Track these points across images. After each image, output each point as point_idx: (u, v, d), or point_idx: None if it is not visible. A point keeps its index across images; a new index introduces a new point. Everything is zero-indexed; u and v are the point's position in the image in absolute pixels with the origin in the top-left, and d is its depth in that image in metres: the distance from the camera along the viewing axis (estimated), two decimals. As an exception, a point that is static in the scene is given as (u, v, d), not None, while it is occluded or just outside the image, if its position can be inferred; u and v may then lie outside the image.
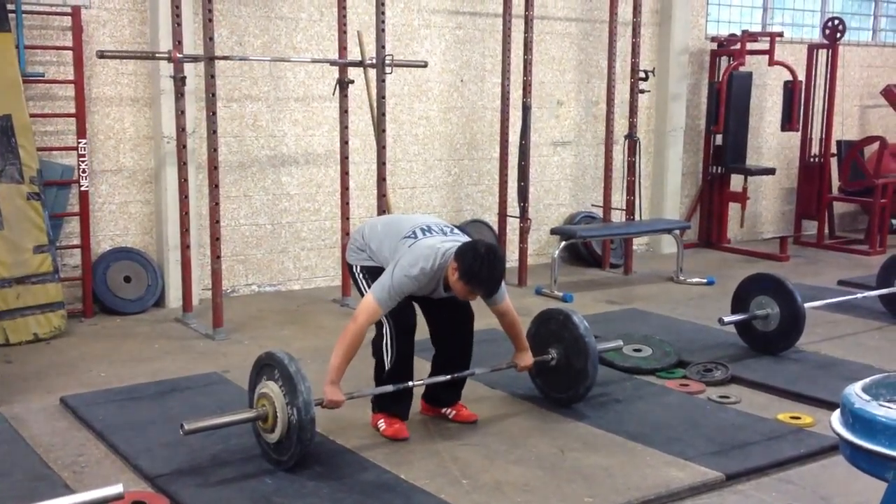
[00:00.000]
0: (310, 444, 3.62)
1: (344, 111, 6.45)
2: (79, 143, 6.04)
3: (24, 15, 5.80)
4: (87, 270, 6.17)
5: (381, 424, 4.11)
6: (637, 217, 8.19)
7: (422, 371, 4.33)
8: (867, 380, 2.36)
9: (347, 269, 4.29)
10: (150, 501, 3.42)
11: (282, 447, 3.68)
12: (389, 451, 3.92)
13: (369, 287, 3.96)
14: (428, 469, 3.75)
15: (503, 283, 4.05)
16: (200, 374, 4.96)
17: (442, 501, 3.45)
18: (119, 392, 4.65)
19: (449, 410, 4.31)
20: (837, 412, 2.32)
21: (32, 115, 5.80)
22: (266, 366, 3.76)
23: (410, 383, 4.08)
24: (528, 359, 4.39)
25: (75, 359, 5.30)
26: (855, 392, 2.27)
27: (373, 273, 4.03)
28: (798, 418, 4.37)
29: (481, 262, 3.76)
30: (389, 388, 4.02)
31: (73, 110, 6.03)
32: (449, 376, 4.19)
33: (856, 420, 2.21)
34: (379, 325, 4.00)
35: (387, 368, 4.05)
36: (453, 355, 4.26)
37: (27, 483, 3.50)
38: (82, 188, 6.10)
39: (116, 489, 2.63)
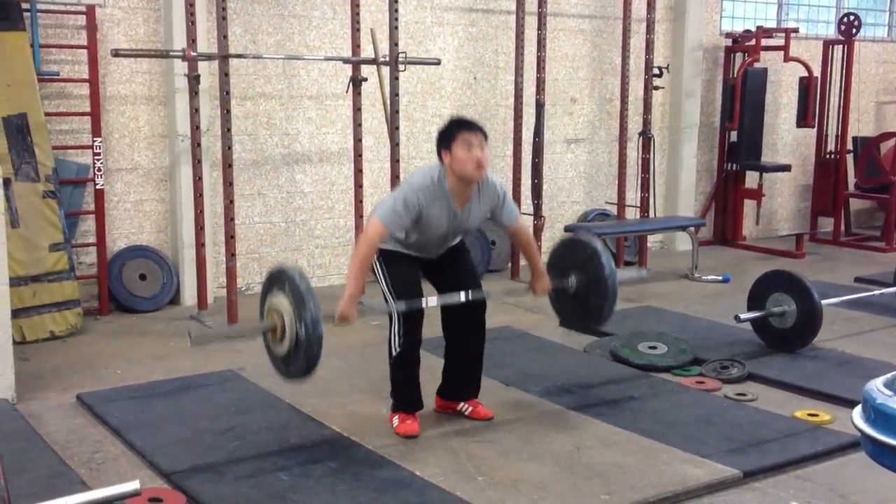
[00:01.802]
0: (317, 362, 3.62)
1: (357, 109, 6.44)
2: (94, 141, 6.06)
3: (38, 14, 5.81)
4: (103, 268, 6.19)
5: (395, 421, 4.11)
6: (651, 214, 8.16)
7: (434, 368, 4.32)
8: (889, 375, 2.34)
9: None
10: (167, 498, 3.43)
11: (289, 361, 3.70)
12: (405, 448, 3.91)
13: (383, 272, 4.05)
14: (443, 466, 3.74)
15: (513, 204, 4.18)
16: (215, 372, 4.96)
17: (457, 498, 3.45)
18: (135, 389, 4.67)
19: (465, 406, 4.30)
20: (859, 408, 2.30)
21: (48, 114, 5.83)
22: (277, 279, 3.72)
23: (423, 301, 4.01)
24: (545, 283, 4.37)
25: (91, 356, 5.32)
26: (877, 387, 2.25)
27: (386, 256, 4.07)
28: (816, 415, 4.34)
29: (450, 120, 3.99)
30: (402, 305, 3.95)
31: (87, 109, 6.05)
32: (463, 296, 4.07)
33: (878, 415, 2.19)
34: (390, 319, 4.02)
35: (394, 354, 4.04)
36: (467, 342, 4.23)
37: (44, 480, 3.51)
38: (97, 186, 6.13)
39: (133, 486, 2.62)
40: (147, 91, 6.39)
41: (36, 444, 3.90)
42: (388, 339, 4.08)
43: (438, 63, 6.96)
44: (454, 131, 3.91)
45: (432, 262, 4.18)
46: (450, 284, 4.15)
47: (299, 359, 3.63)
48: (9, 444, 3.79)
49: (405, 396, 4.13)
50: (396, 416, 4.13)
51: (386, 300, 4.05)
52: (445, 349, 4.32)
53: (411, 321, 4.02)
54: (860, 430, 2.25)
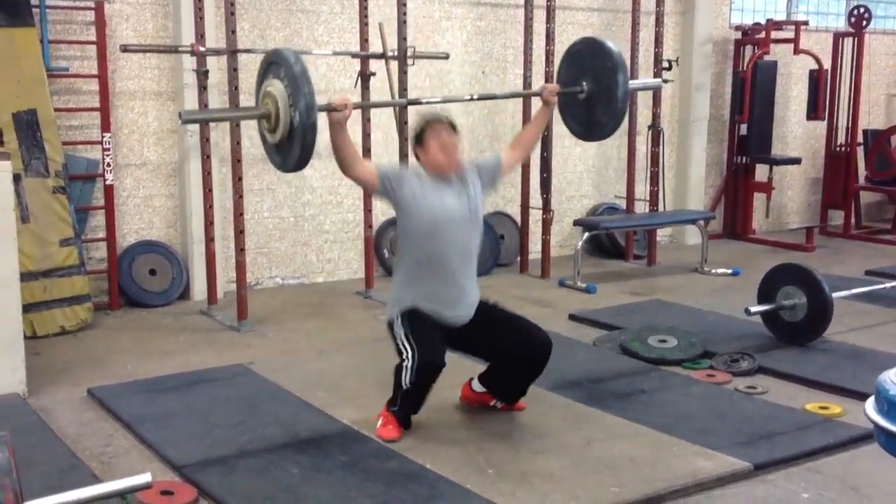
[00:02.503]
0: (311, 150, 3.58)
1: (366, 103, 6.44)
2: (103, 136, 6.08)
3: (47, 10, 5.83)
4: (113, 263, 6.21)
5: (379, 421, 4.00)
6: (661, 208, 8.14)
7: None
8: (901, 367, 2.33)
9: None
10: (178, 491, 3.44)
11: (283, 150, 3.67)
12: (415, 442, 3.91)
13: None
14: (453, 459, 3.74)
15: (485, 156, 4.17)
16: (225, 366, 4.97)
17: (467, 491, 3.45)
18: (145, 384, 4.68)
19: (496, 402, 4.27)
20: (872, 399, 2.29)
21: (57, 110, 5.84)
22: (273, 63, 3.65)
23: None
24: (552, 86, 4.42)
25: (102, 351, 5.34)
26: (890, 378, 2.23)
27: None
28: (826, 408, 4.33)
29: (419, 119, 4.04)
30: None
31: (97, 104, 6.06)
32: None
33: (891, 407, 2.18)
34: (400, 354, 3.88)
35: (404, 388, 3.86)
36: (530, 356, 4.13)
37: (56, 473, 3.53)
38: (107, 182, 6.14)
39: (144, 478, 2.64)
40: (156, 86, 6.40)
41: (47, 438, 3.92)
42: (398, 372, 3.88)
43: (447, 57, 6.94)
44: (423, 128, 3.98)
45: (464, 328, 4.05)
46: (504, 339, 4.08)
47: (293, 147, 3.59)
48: (20, 438, 3.78)
49: (404, 416, 3.98)
50: (381, 417, 4.00)
51: (401, 349, 3.88)
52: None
53: (425, 368, 3.81)
54: (873, 422, 2.24)
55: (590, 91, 4.38)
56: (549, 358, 4.13)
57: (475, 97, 4.36)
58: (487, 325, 4.09)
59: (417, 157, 4.05)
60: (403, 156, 6.28)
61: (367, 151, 6.47)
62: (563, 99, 4.44)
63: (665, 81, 7.93)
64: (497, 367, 4.20)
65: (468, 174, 4.06)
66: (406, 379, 3.83)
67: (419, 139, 4.00)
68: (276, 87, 3.60)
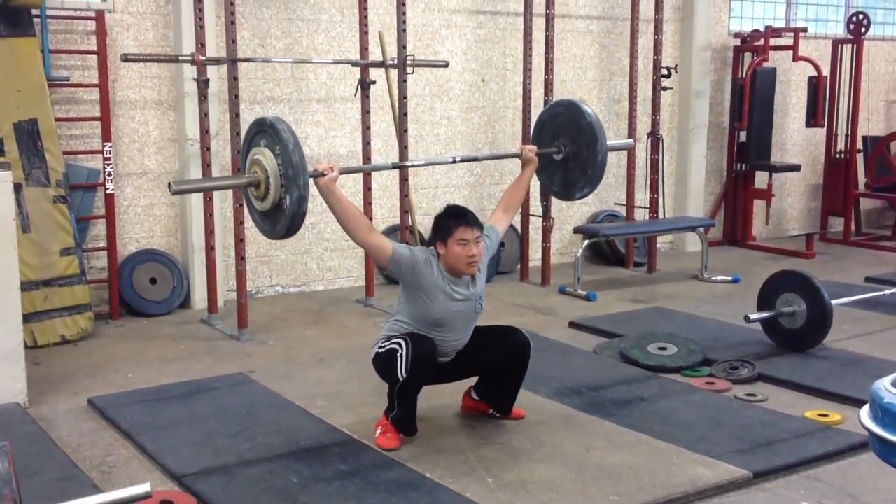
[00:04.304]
0: (299, 227, 3.65)
1: (366, 112, 6.46)
2: (104, 146, 6.09)
3: (48, 19, 5.85)
4: (114, 273, 6.22)
5: (378, 430, 4.00)
6: (661, 215, 8.15)
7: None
8: (896, 374, 2.34)
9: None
10: (178, 500, 3.44)
11: (270, 219, 3.69)
12: (414, 450, 3.92)
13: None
14: (453, 467, 3.74)
15: (490, 233, 4.10)
16: (226, 375, 4.98)
17: (467, 500, 3.45)
18: (146, 393, 4.69)
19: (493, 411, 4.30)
20: (867, 407, 2.30)
21: (58, 119, 5.86)
22: (266, 134, 3.64)
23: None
24: (531, 147, 4.39)
25: (102, 360, 5.34)
26: (884, 386, 2.24)
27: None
28: (826, 416, 4.33)
29: (447, 211, 3.98)
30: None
31: (97, 114, 6.08)
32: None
33: (885, 414, 2.18)
34: (393, 346, 3.87)
35: (400, 381, 3.85)
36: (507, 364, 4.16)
37: (56, 483, 3.53)
38: (108, 191, 6.15)
39: (144, 488, 2.64)
40: (157, 95, 6.42)
41: (47, 448, 3.92)
42: (392, 366, 3.87)
43: (447, 65, 6.97)
44: (451, 226, 3.89)
45: (453, 360, 4.09)
46: (489, 349, 4.12)
47: (282, 221, 3.61)
48: (21, 448, 3.80)
49: (403, 416, 3.98)
50: (381, 427, 4.00)
51: (389, 350, 3.88)
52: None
53: (419, 361, 3.82)
54: (868, 429, 2.25)
55: (567, 152, 4.41)
56: (528, 358, 4.15)
57: (458, 159, 4.39)
58: (470, 343, 4.11)
59: (435, 246, 3.95)
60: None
61: (367, 159, 6.49)
62: (542, 163, 4.47)
63: (664, 89, 7.95)
64: (486, 377, 4.23)
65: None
66: (401, 369, 3.82)
67: (443, 235, 3.90)
68: (267, 158, 3.60)
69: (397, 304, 4.11)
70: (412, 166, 4.08)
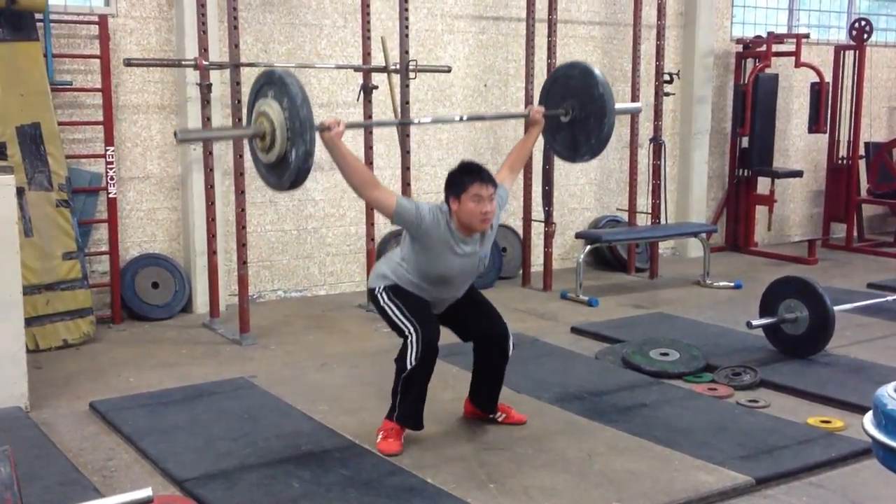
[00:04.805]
0: (305, 177, 3.62)
1: (368, 116, 6.46)
2: (106, 150, 6.10)
3: (51, 24, 5.86)
4: (116, 277, 6.23)
5: (379, 435, 4.00)
6: (663, 221, 8.15)
7: (445, 374, 4.32)
8: (900, 381, 2.33)
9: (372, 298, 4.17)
10: (179, 505, 3.44)
11: (276, 170, 3.67)
12: (416, 456, 3.91)
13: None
14: (455, 473, 3.74)
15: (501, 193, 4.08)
16: (228, 380, 4.98)
17: (469, 505, 3.45)
18: (148, 397, 4.69)
19: (499, 414, 4.29)
20: (870, 414, 2.29)
21: (61, 123, 5.87)
22: (275, 86, 3.62)
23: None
24: (538, 108, 4.39)
25: (104, 364, 5.34)
26: (888, 393, 2.24)
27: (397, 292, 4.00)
28: (829, 422, 4.33)
29: (461, 167, 3.96)
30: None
31: (100, 118, 6.09)
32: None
33: (888, 421, 2.18)
34: (405, 336, 3.91)
35: (409, 368, 3.90)
36: (490, 345, 4.18)
37: (57, 487, 3.53)
38: (110, 195, 6.16)
39: (145, 493, 2.64)
40: (159, 100, 6.43)
41: (49, 452, 3.92)
42: (403, 357, 3.92)
43: (449, 70, 6.97)
44: (466, 182, 3.87)
45: (446, 309, 4.13)
46: (471, 323, 4.15)
47: (288, 171, 3.60)
48: (22, 452, 3.80)
49: (414, 411, 4.00)
50: (382, 432, 4.00)
51: (401, 327, 3.93)
52: (475, 361, 4.27)
53: (428, 347, 3.87)
54: (871, 436, 2.24)
55: (574, 115, 4.39)
56: (506, 352, 4.15)
57: (464, 118, 4.41)
58: (461, 301, 4.13)
59: (448, 201, 3.93)
60: (406, 168, 6.30)
61: (369, 164, 6.48)
62: (547, 122, 4.45)
63: (666, 94, 7.96)
64: (474, 374, 4.25)
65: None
66: (411, 357, 3.85)
67: (457, 190, 3.88)
68: (274, 111, 3.59)
69: (402, 245, 4.07)
70: (419, 124, 4.12)
